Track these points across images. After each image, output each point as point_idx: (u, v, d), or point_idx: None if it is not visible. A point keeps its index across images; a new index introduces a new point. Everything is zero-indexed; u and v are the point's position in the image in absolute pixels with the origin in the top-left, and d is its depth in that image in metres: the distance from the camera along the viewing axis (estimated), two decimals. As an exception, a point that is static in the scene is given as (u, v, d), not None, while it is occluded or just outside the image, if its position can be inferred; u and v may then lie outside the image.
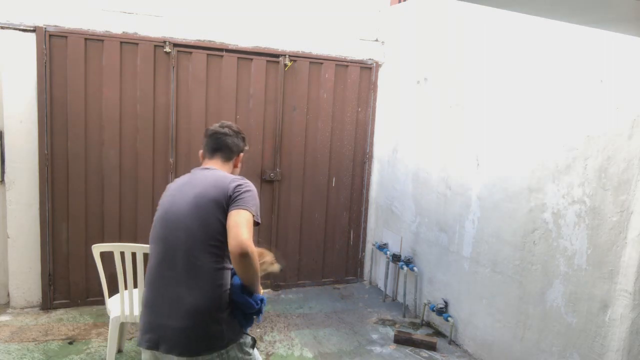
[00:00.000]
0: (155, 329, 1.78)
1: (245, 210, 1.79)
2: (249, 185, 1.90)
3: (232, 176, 1.95)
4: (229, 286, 1.84)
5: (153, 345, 1.77)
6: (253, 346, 1.92)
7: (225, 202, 1.81)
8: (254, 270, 1.75)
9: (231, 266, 1.84)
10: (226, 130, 2.09)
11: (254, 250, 1.72)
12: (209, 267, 1.79)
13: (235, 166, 2.12)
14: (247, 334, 1.91)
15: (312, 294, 4.76)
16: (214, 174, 1.95)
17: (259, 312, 1.88)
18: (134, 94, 4.06)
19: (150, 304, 1.84)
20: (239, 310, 1.84)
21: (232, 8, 4.31)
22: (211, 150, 2.08)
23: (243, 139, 2.14)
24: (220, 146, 2.07)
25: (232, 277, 1.87)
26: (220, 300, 1.79)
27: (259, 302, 1.86)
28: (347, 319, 4.20)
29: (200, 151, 2.15)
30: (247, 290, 1.83)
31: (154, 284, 1.85)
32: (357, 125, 4.91)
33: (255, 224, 1.84)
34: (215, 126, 2.12)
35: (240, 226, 1.72)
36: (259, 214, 1.87)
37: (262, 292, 1.90)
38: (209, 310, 1.77)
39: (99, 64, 3.93)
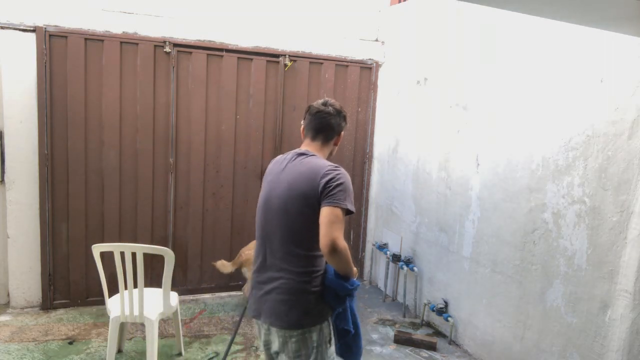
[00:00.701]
0: (257, 302, 2.00)
1: (336, 207, 1.83)
2: (341, 177, 1.89)
3: (325, 167, 1.91)
4: (321, 271, 1.95)
5: (257, 314, 2.01)
6: (330, 341, 1.99)
7: (316, 199, 1.87)
8: (344, 262, 1.86)
9: (321, 253, 1.93)
10: (330, 109, 2.06)
11: (343, 245, 1.81)
12: (301, 254, 1.92)
13: (335, 144, 2.12)
14: (330, 323, 2.00)
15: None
16: (309, 163, 1.95)
17: (351, 294, 1.97)
18: (134, 94, 4.06)
19: (256, 279, 2.03)
20: (331, 292, 1.95)
21: (232, 8, 4.31)
22: (314, 130, 2.07)
23: (344, 118, 2.13)
24: (324, 126, 2.06)
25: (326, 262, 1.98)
26: (305, 284, 1.92)
27: (351, 285, 1.95)
28: (347, 319, 4.20)
29: (302, 126, 2.13)
30: (340, 276, 1.94)
31: (259, 263, 2.03)
32: (357, 125, 4.91)
33: (349, 212, 1.87)
34: (319, 104, 2.08)
35: (330, 224, 1.80)
36: (352, 201, 1.90)
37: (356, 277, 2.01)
38: (301, 292, 1.91)
39: (99, 64, 3.93)
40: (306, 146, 2.08)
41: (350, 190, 1.90)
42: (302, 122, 2.15)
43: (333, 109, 2.06)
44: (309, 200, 1.87)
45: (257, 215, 2.07)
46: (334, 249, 1.78)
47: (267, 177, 2.08)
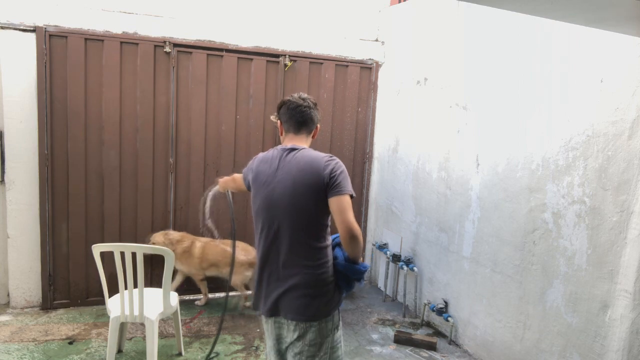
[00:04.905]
0: (273, 301, 2.01)
1: (345, 195, 1.92)
2: (339, 165, 1.98)
3: (324, 158, 1.98)
4: (331, 261, 2.01)
5: (272, 313, 2.02)
6: (338, 326, 2.07)
7: (324, 190, 1.92)
8: (360, 247, 1.95)
9: (330, 243, 2.04)
10: (308, 103, 2.10)
11: (359, 231, 1.91)
12: (317, 246, 1.97)
13: (313, 137, 2.17)
14: (338, 311, 2.07)
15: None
16: (305, 156, 1.99)
17: (361, 276, 2.04)
18: (134, 94, 4.06)
19: (267, 280, 2.04)
20: (343, 277, 2.01)
21: (232, 8, 4.31)
22: (297, 124, 2.09)
23: (317, 110, 2.18)
24: (306, 120, 2.10)
25: (333, 248, 2.05)
26: (324, 275, 1.98)
27: (363, 267, 2.03)
28: (347, 318, 4.20)
29: (278, 122, 2.16)
30: (350, 260, 2.01)
31: (270, 264, 2.03)
32: (357, 125, 4.91)
33: (351, 197, 1.96)
34: (296, 98, 2.10)
35: (345, 211, 1.89)
36: (351, 186, 1.98)
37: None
38: (322, 284, 1.97)
39: (99, 64, 3.93)
40: (292, 141, 2.09)
41: (348, 176, 2.00)
42: (273, 117, 2.16)
43: (310, 102, 2.11)
44: (317, 193, 1.92)
45: (259, 219, 2.05)
46: (353, 235, 1.88)
47: (259, 177, 2.06)
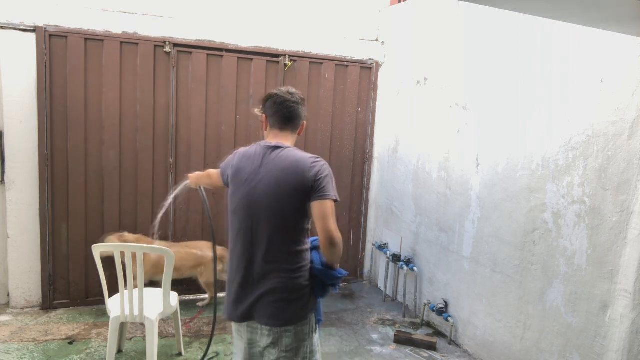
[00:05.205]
0: (247, 306, 1.93)
1: (329, 200, 1.85)
2: (325, 168, 1.91)
3: (310, 159, 1.89)
4: (308, 265, 1.95)
5: (245, 318, 1.94)
6: (315, 330, 2.03)
7: (307, 193, 1.86)
8: (338, 254, 1.89)
9: (309, 246, 1.97)
10: (296, 98, 2.00)
11: (340, 238, 1.84)
12: (295, 250, 1.90)
13: (299, 134, 2.08)
14: (314, 315, 2.02)
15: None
16: (290, 155, 1.90)
17: (337, 283, 2.01)
18: (134, 94, 4.06)
19: (241, 282, 1.95)
20: (319, 282, 1.96)
21: (232, 8, 4.31)
22: (284, 120, 1.99)
23: (305, 106, 2.09)
24: (293, 116, 2.00)
25: (311, 251, 1.99)
26: (300, 279, 1.92)
27: (339, 274, 1.98)
28: (347, 319, 4.20)
29: (263, 116, 2.05)
30: (327, 265, 1.96)
31: (245, 267, 1.94)
32: (357, 125, 4.91)
33: (335, 202, 1.90)
34: (284, 93, 2.00)
35: (327, 217, 1.82)
36: (336, 191, 1.92)
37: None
38: (298, 288, 1.91)
39: (99, 64, 3.93)
40: (276, 137, 2.00)
41: (333, 179, 1.92)
42: (257, 111, 2.08)
43: (298, 97, 2.01)
44: (300, 196, 1.85)
45: (236, 217, 1.95)
46: (333, 242, 1.82)
47: (240, 174, 1.96)
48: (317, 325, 2.05)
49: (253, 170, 1.92)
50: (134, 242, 3.78)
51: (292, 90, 2.03)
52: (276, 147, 1.94)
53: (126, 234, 3.86)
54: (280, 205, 1.87)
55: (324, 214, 1.83)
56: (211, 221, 2.84)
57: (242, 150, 2.06)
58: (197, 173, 2.54)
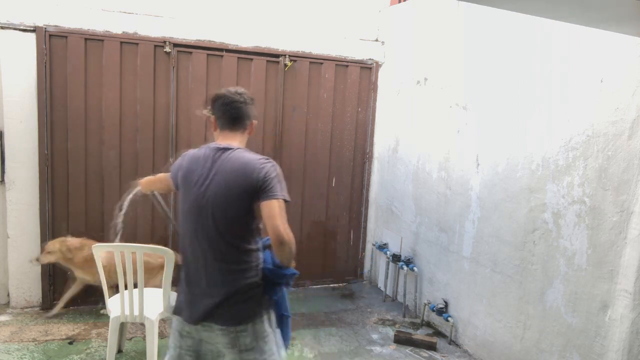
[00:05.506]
0: (202, 308, 1.93)
1: (277, 200, 1.85)
2: (274, 168, 1.91)
3: (259, 161, 1.90)
4: (260, 265, 1.97)
5: (199, 319, 1.93)
6: (278, 324, 2.05)
7: (255, 194, 1.86)
8: (289, 253, 1.87)
9: (260, 246, 1.98)
10: (244, 98, 2.01)
11: (290, 237, 1.83)
12: (246, 249, 1.92)
13: (249, 134, 2.09)
14: (273, 311, 2.03)
15: (311, 293, 4.76)
16: (239, 157, 1.91)
17: (287, 281, 2.02)
18: (134, 94, 4.06)
19: (191, 284, 1.98)
20: (269, 280, 1.97)
21: (232, 8, 4.31)
22: (233, 121, 2.00)
23: (253, 106, 2.09)
24: (242, 116, 2.01)
25: (263, 250, 2.00)
26: (253, 279, 1.93)
27: (288, 273, 1.99)
28: (347, 319, 4.20)
29: (212, 118, 2.05)
30: (279, 265, 1.96)
31: (196, 269, 1.96)
32: (357, 125, 4.91)
33: (286, 202, 1.89)
34: (232, 93, 2.00)
35: (275, 217, 1.82)
36: (286, 191, 1.91)
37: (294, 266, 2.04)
38: (251, 287, 1.93)
39: (99, 64, 3.93)
40: (226, 139, 2.00)
41: (283, 180, 1.92)
42: (204, 112, 2.07)
43: (245, 96, 2.01)
44: (249, 197, 1.86)
45: (187, 219, 1.96)
46: (282, 241, 1.80)
47: (190, 177, 1.95)
48: (287, 321, 2.08)
49: (203, 172, 1.93)
50: (77, 245, 3.64)
51: (241, 90, 2.03)
52: (226, 149, 1.94)
53: (69, 238, 3.69)
54: (230, 207, 1.87)
55: (271, 213, 1.82)
56: (172, 222, 2.79)
57: (191, 152, 2.06)
58: (148, 178, 2.53)
